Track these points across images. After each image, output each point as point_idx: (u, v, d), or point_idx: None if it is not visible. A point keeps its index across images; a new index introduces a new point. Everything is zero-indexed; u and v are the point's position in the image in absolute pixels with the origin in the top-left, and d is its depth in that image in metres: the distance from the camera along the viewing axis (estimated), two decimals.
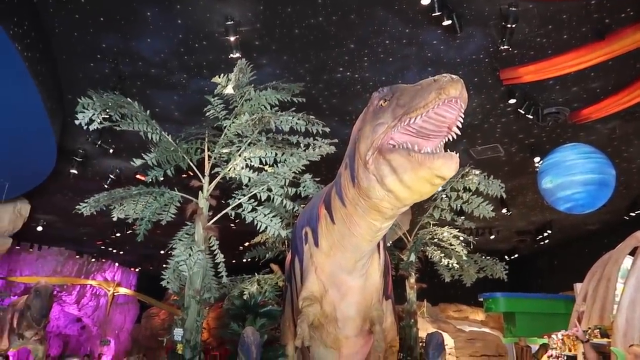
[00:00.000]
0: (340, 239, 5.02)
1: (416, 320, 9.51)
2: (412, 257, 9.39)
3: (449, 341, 12.62)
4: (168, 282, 5.96)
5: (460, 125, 3.62)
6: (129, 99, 5.80)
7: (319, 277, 5.43)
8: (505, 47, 6.18)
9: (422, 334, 10.03)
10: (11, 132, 7.62)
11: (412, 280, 9.66)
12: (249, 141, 6.24)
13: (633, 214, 12.32)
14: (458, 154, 3.61)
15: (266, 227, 6.12)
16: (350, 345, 5.63)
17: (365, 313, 5.48)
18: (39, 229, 14.83)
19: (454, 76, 3.50)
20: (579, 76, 7.36)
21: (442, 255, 9.11)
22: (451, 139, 3.73)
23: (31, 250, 17.39)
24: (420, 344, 9.38)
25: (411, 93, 3.72)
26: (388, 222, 4.67)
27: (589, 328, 7.55)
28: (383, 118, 3.91)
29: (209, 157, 6.39)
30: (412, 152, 3.63)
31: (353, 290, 5.40)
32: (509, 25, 5.94)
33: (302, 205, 8.13)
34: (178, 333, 5.62)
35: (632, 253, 7.73)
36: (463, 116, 3.59)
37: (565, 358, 8.41)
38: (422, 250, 9.42)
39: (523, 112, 7.80)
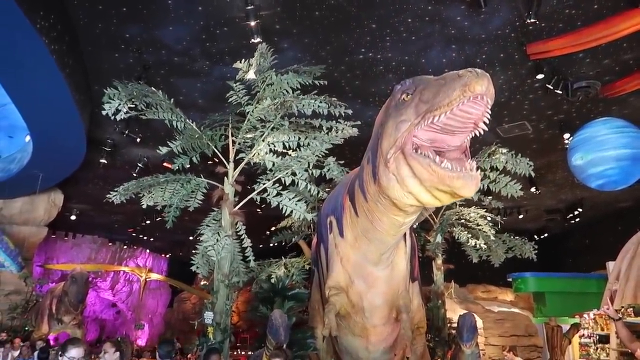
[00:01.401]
0: (365, 232, 4.98)
1: (444, 301, 9.48)
2: (439, 238, 9.31)
3: (478, 322, 12.57)
4: (197, 267, 6.09)
5: (488, 122, 3.49)
6: (153, 88, 5.86)
7: (345, 268, 5.44)
8: (532, 20, 5.99)
9: (450, 315, 10.01)
10: (42, 125, 7.84)
11: (439, 261, 9.60)
12: (272, 126, 6.25)
13: None
14: (478, 169, 3.53)
15: (291, 211, 6.15)
16: (377, 334, 5.65)
17: (392, 302, 5.47)
18: (73, 218, 15.29)
19: (479, 71, 3.35)
20: (610, 48, 7.09)
21: (470, 235, 9.01)
22: (478, 135, 3.63)
23: (66, 238, 17.99)
24: (449, 325, 9.36)
25: (434, 88, 3.56)
26: (411, 217, 4.60)
27: (622, 307, 7.40)
28: (406, 114, 3.78)
29: (233, 143, 6.44)
30: (434, 164, 3.51)
31: (379, 280, 5.39)
32: None
33: (326, 189, 8.15)
34: (208, 316, 5.74)
35: None
36: (490, 112, 3.45)
37: (597, 337, 8.29)
38: (448, 231, 9.34)
39: (552, 88, 7.58)
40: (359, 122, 6.25)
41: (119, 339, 16.14)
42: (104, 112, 5.50)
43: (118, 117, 5.59)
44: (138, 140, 9.26)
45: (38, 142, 8.54)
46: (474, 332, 5.61)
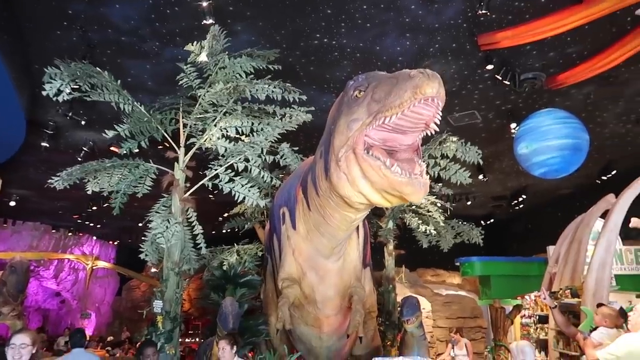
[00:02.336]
0: (317, 225, 4.99)
1: (394, 285, 9.68)
2: (391, 224, 9.48)
3: (426, 305, 12.94)
4: (147, 255, 5.92)
5: (439, 122, 3.54)
6: (98, 68, 5.58)
7: (297, 260, 5.44)
8: (484, 11, 6.12)
9: (401, 299, 10.25)
10: None
11: (391, 247, 9.78)
12: (224, 110, 6.12)
13: (605, 178, 12.62)
14: (427, 178, 3.58)
15: (244, 198, 6.07)
16: (330, 323, 5.71)
17: (344, 293, 5.52)
18: (12, 204, 14.52)
19: (430, 72, 3.37)
20: (555, 41, 7.37)
21: (420, 221, 9.22)
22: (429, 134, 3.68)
23: (5, 225, 17.10)
24: (398, 309, 9.58)
25: (387, 87, 3.56)
26: (363, 213, 4.64)
27: (561, 289, 7.82)
28: (357, 113, 3.78)
29: (184, 127, 6.26)
30: (385, 168, 3.54)
31: (331, 273, 5.42)
32: None
33: (280, 175, 8.10)
34: (157, 305, 5.60)
35: (603, 216, 7.96)
36: (440, 114, 3.49)
37: (537, 318, 8.72)
38: (400, 218, 9.52)
39: (500, 78, 7.82)
40: (313, 108, 6.21)
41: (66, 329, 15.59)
42: (44, 93, 5.20)
43: (60, 99, 5.29)
44: (83, 123, 8.85)
45: None
46: (415, 309, 5.79)
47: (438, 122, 3.55)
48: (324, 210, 4.67)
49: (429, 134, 3.72)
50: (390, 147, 3.79)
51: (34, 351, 3.23)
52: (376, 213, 10.11)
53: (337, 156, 3.94)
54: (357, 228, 5.55)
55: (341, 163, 3.89)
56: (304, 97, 6.03)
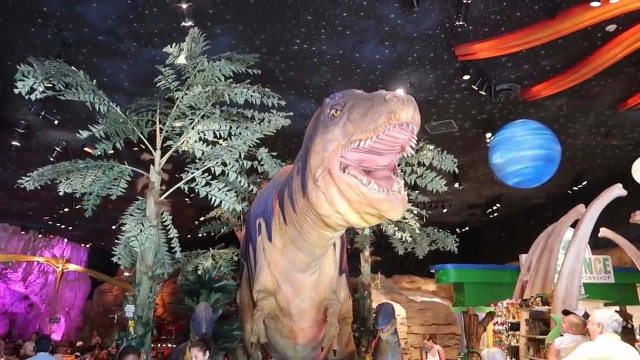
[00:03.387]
0: (293, 240, 4.93)
1: (370, 292, 9.72)
2: (367, 231, 9.53)
3: (401, 311, 13.02)
4: (119, 258, 5.81)
5: (414, 146, 3.56)
6: (73, 67, 5.48)
7: (272, 273, 5.39)
8: (461, 22, 6.23)
9: (376, 305, 10.29)
10: None
11: (367, 253, 9.83)
12: (202, 114, 6.07)
13: (576, 188, 12.94)
14: (405, 194, 3.57)
15: (221, 202, 6.02)
16: (305, 335, 5.68)
17: (319, 305, 5.49)
18: None
19: (405, 97, 3.36)
20: (530, 54, 7.54)
21: (396, 228, 9.28)
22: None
23: None
24: (373, 315, 9.61)
25: (362, 109, 3.55)
26: (340, 232, 4.63)
27: (532, 296, 7.96)
28: (333, 133, 3.75)
29: (161, 129, 6.18)
30: (362, 186, 3.53)
31: (307, 286, 5.38)
32: (464, 1, 5.98)
33: (258, 180, 8.06)
34: (129, 309, 5.50)
35: (574, 225, 8.15)
36: (416, 138, 3.52)
37: (509, 325, 8.86)
38: (377, 225, 9.57)
39: (476, 89, 7.96)
40: (291, 114, 6.22)
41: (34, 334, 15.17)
42: (16, 91, 5.07)
43: (33, 97, 5.17)
44: (56, 122, 8.66)
45: None
46: (390, 317, 5.79)
47: (414, 146, 3.57)
48: (301, 227, 4.62)
49: (406, 155, 3.74)
50: (367, 167, 3.78)
51: None
52: None
53: (314, 176, 3.90)
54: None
55: (319, 183, 3.85)
56: (283, 103, 6.02)
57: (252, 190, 6.92)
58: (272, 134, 6.31)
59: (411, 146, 3.56)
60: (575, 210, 8.37)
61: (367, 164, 3.78)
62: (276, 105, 5.99)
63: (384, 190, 3.51)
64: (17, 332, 20.22)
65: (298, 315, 5.47)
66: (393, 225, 9.37)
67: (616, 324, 4.01)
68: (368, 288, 9.63)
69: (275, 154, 7.47)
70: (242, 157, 6.15)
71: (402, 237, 9.06)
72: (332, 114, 3.87)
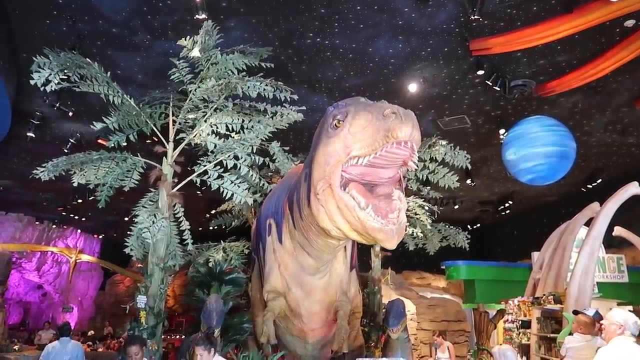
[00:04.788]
0: (302, 244, 4.93)
1: (380, 287, 9.70)
2: None
3: (410, 307, 12.98)
4: (132, 250, 5.86)
5: (416, 160, 3.51)
6: (88, 59, 5.52)
7: (282, 275, 5.40)
8: (476, 17, 6.15)
9: (386, 300, 10.27)
10: None
11: (377, 248, 9.80)
12: (215, 107, 6.09)
13: (590, 186, 12.78)
14: (404, 218, 3.52)
15: (232, 195, 6.04)
16: (315, 335, 5.70)
17: (329, 307, 5.50)
18: None
19: (404, 114, 3.31)
20: (546, 49, 7.44)
21: (407, 224, 9.25)
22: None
23: None
24: (383, 310, 9.60)
25: (362, 122, 3.51)
26: (345, 241, 4.62)
27: (544, 294, 7.90)
28: (334, 145, 3.73)
29: (174, 122, 6.21)
30: (359, 210, 3.50)
31: (317, 289, 5.39)
32: None
33: (270, 174, 8.07)
34: (141, 300, 5.55)
35: (588, 224, 8.06)
36: (417, 154, 3.47)
37: (520, 323, 8.80)
38: None
39: (490, 84, 7.87)
40: (304, 108, 6.21)
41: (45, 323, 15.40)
42: (32, 82, 5.12)
43: (48, 89, 5.23)
44: (70, 114, 8.73)
45: None
46: (401, 317, 5.77)
47: (416, 161, 3.52)
48: (308, 234, 4.62)
49: (409, 170, 3.69)
50: (370, 181, 3.74)
51: None
52: None
53: (315, 189, 3.89)
54: None
55: (320, 197, 3.84)
56: (295, 97, 6.02)
57: (263, 185, 6.94)
58: (284, 128, 6.31)
59: (413, 162, 3.51)
60: (590, 208, 8.27)
61: (370, 178, 3.73)
62: (288, 99, 5.98)
63: (380, 217, 3.47)
64: (31, 321, 20.54)
65: (308, 316, 5.48)
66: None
67: (635, 327, 3.94)
68: (378, 283, 9.60)
69: (287, 147, 7.48)
70: (254, 151, 6.16)
71: (413, 232, 9.03)
72: (335, 125, 3.83)
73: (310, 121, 7.77)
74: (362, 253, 7.67)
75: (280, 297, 5.42)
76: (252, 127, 6.11)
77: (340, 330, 5.20)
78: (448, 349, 9.31)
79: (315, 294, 5.39)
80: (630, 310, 4.46)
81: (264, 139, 6.18)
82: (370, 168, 3.66)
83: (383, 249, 9.94)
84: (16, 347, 10.55)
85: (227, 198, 6.18)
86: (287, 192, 5.35)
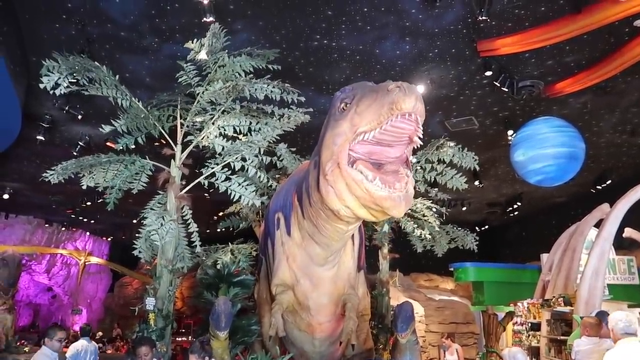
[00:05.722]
0: (311, 234, 4.95)
1: (388, 289, 9.67)
2: (386, 228, 9.47)
3: (419, 309, 12.94)
4: (140, 252, 5.89)
5: (421, 136, 3.52)
6: (97, 62, 5.56)
7: (291, 267, 5.41)
8: (483, 17, 6.13)
9: (394, 302, 10.23)
10: None
11: (385, 250, 9.77)
12: (222, 109, 6.10)
13: (600, 187, 12.67)
14: (412, 189, 3.55)
15: (240, 197, 6.05)
16: (323, 330, 5.67)
17: (337, 300, 5.48)
18: (6, 196, 14.43)
19: (407, 87, 3.33)
20: (554, 49, 7.39)
21: (415, 226, 9.21)
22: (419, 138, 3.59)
23: None
24: (392, 312, 9.56)
25: (368, 101, 3.57)
26: (355, 225, 4.63)
27: (554, 296, 7.83)
28: (342, 127, 3.78)
29: (182, 124, 6.23)
30: (366, 182, 3.53)
31: (325, 280, 5.38)
32: None
33: (277, 176, 8.08)
34: (150, 302, 5.57)
35: (598, 225, 7.99)
36: (421, 128, 3.47)
37: (529, 325, 8.74)
38: (395, 221, 9.51)
39: (498, 85, 7.83)
40: (311, 110, 6.21)
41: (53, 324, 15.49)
42: (42, 86, 5.17)
43: (57, 92, 5.26)
44: (79, 117, 8.80)
45: None
46: (409, 321, 5.71)
47: (420, 136, 3.53)
48: (317, 220, 4.65)
49: (417, 147, 3.71)
50: (377, 160, 3.77)
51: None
52: None
53: (324, 170, 3.93)
54: (353, 234, 5.53)
55: (328, 177, 3.88)
56: (303, 98, 6.02)
57: (271, 186, 6.94)
58: (292, 130, 6.31)
59: (418, 137, 3.52)
60: (600, 209, 8.20)
61: (377, 157, 3.76)
62: (296, 101, 5.99)
63: (388, 187, 3.50)
64: (41, 323, 20.69)
65: (316, 309, 5.47)
66: (412, 222, 9.31)
67: (624, 326, 3.92)
68: (386, 285, 9.57)
69: (294, 149, 7.48)
70: (262, 153, 6.17)
71: (421, 234, 8.98)
72: (342, 108, 3.92)
73: (317, 123, 7.73)
74: (370, 255, 7.65)
75: (288, 291, 5.42)
76: (260, 129, 6.11)
77: (349, 322, 5.19)
78: (457, 351, 9.27)
79: (324, 286, 5.39)
80: None
81: (271, 140, 6.19)
82: (377, 146, 3.70)
83: (391, 251, 9.92)
84: (26, 349, 10.62)
85: (234, 200, 6.19)
86: (295, 186, 5.38)
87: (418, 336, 6.42)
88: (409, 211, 9.49)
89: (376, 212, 3.74)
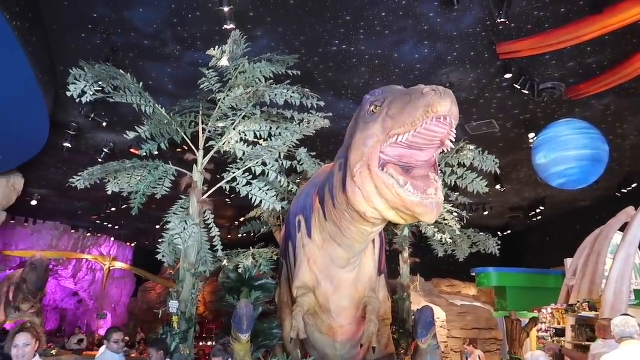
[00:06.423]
0: (333, 236, 4.99)
1: (409, 294, 9.63)
2: (406, 232, 9.45)
3: (440, 314, 12.83)
4: (164, 256, 6.01)
5: (454, 140, 3.55)
6: (121, 70, 5.72)
7: (312, 269, 5.45)
8: (502, 20, 6.11)
9: (415, 307, 10.17)
10: (2, 105, 7.52)
11: (406, 254, 9.74)
12: (243, 114, 6.21)
13: (625, 191, 12.41)
14: (442, 196, 3.58)
15: (261, 201, 6.13)
16: (344, 333, 5.69)
17: (358, 303, 5.50)
18: (34, 203, 14.80)
19: (442, 90, 3.36)
20: (575, 51, 7.31)
21: (436, 230, 9.16)
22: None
23: (26, 224, 17.40)
24: (413, 317, 9.51)
25: (401, 104, 3.59)
26: (379, 227, 4.65)
27: (578, 301, 7.70)
28: (373, 129, 3.81)
29: (203, 130, 6.36)
30: (398, 187, 3.57)
31: (346, 283, 5.40)
32: None
33: (297, 180, 8.15)
34: (173, 305, 5.68)
35: (622, 229, 7.83)
36: (455, 132, 3.51)
37: (554, 331, 8.59)
38: (415, 225, 9.48)
39: (519, 88, 7.77)
40: (330, 114, 6.28)
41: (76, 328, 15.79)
42: (69, 94, 5.34)
43: (84, 100, 5.44)
44: (104, 124, 9.03)
45: None
46: (429, 327, 5.66)
47: (453, 140, 3.56)
48: (341, 222, 4.68)
49: (446, 151, 3.73)
50: (407, 163, 3.80)
51: (37, 348, 3.32)
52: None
53: (352, 171, 3.97)
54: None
55: (356, 179, 3.92)
56: (322, 103, 6.08)
57: (291, 190, 7.01)
58: (312, 135, 6.38)
59: (451, 140, 3.54)
60: (625, 212, 8.04)
61: (407, 160, 3.80)
62: (315, 105, 6.05)
63: (420, 193, 3.52)
64: (67, 327, 21.10)
65: (337, 312, 5.50)
66: (433, 226, 9.25)
67: (618, 330, 4.04)
68: (407, 290, 9.53)
69: (314, 154, 7.54)
70: (282, 157, 6.25)
71: (442, 238, 8.93)
72: (372, 110, 3.94)
73: (337, 127, 7.81)
74: (390, 260, 7.64)
75: (309, 293, 5.46)
76: (280, 134, 6.20)
77: (370, 325, 5.21)
78: (479, 358, 9.16)
79: (345, 289, 5.42)
80: None
81: (291, 145, 6.26)
82: (407, 150, 3.72)
83: (411, 256, 9.88)
84: (54, 352, 10.87)
85: (255, 205, 6.27)
86: (315, 188, 5.42)
87: (439, 342, 6.38)
88: None
89: (406, 216, 3.77)
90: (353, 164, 3.97)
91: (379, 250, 5.88)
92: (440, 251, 9.60)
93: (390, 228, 9.81)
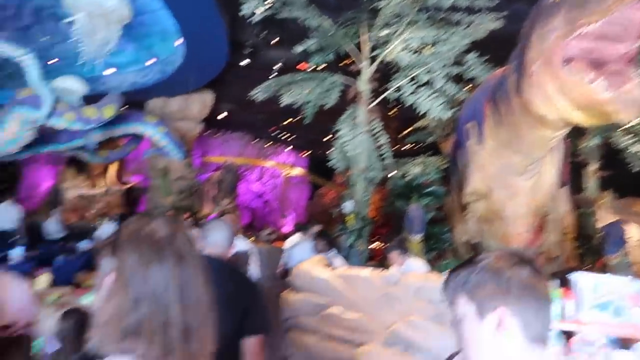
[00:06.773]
0: (508, 143, 4.66)
1: (595, 210, 8.75)
2: (596, 140, 8.37)
3: (634, 233, 11.44)
4: (335, 162, 6.39)
5: None
6: None
7: (484, 176, 5.24)
8: None
9: (604, 226, 9.21)
10: (189, 30, 8.34)
11: (593, 167, 8.73)
12: (407, 21, 5.92)
13: None
14: None
15: (427, 111, 5.97)
16: (521, 241, 5.48)
17: (536, 211, 5.20)
18: (221, 116, 16.63)
19: None
20: None
21: (633, 141, 7.94)
22: None
23: (217, 135, 19.83)
24: (599, 234, 8.69)
25: None
26: (562, 131, 4.18)
27: None
28: (554, 22, 3.29)
29: (367, 40, 6.28)
30: (585, 83, 3.07)
31: (523, 190, 5.11)
32: None
33: (466, 88, 7.68)
34: (348, 205, 6.09)
35: None
36: None
37: None
38: (606, 135, 8.32)
39: None
40: (504, 13, 5.61)
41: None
42: (240, 14, 5.67)
43: (255, 19, 5.75)
44: (275, 41, 9.50)
45: (188, 45, 9.15)
46: (620, 245, 5.24)
47: None
48: (516, 127, 4.35)
49: None
50: (597, 58, 3.25)
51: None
52: (576, 127, 9.02)
53: (530, 71, 3.56)
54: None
55: (534, 79, 3.53)
56: (492, 3, 5.46)
57: (460, 98, 6.68)
58: (482, 39, 5.85)
59: None
60: None
61: (596, 55, 3.26)
62: (484, 6, 5.48)
63: (613, 89, 3.03)
64: (257, 223, 24.26)
65: (513, 219, 5.30)
66: (632, 136, 8.03)
67: None
68: (593, 204, 8.66)
69: (485, 58, 6.96)
70: (450, 64, 5.91)
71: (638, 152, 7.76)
72: (553, 1, 3.41)
73: (511, 29, 6.96)
74: (574, 172, 6.93)
75: (481, 200, 5.35)
76: (447, 39, 5.80)
77: (549, 235, 4.94)
78: None
79: (521, 196, 5.16)
80: None
81: (459, 51, 5.86)
82: (597, 42, 3.22)
83: (600, 169, 8.84)
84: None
85: (420, 115, 6.13)
86: (487, 94, 5.07)
87: (633, 262, 5.81)
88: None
89: (596, 116, 3.33)
90: (530, 62, 3.59)
91: (560, 159, 5.38)
92: (637, 165, 8.39)
93: (574, 137, 8.81)
